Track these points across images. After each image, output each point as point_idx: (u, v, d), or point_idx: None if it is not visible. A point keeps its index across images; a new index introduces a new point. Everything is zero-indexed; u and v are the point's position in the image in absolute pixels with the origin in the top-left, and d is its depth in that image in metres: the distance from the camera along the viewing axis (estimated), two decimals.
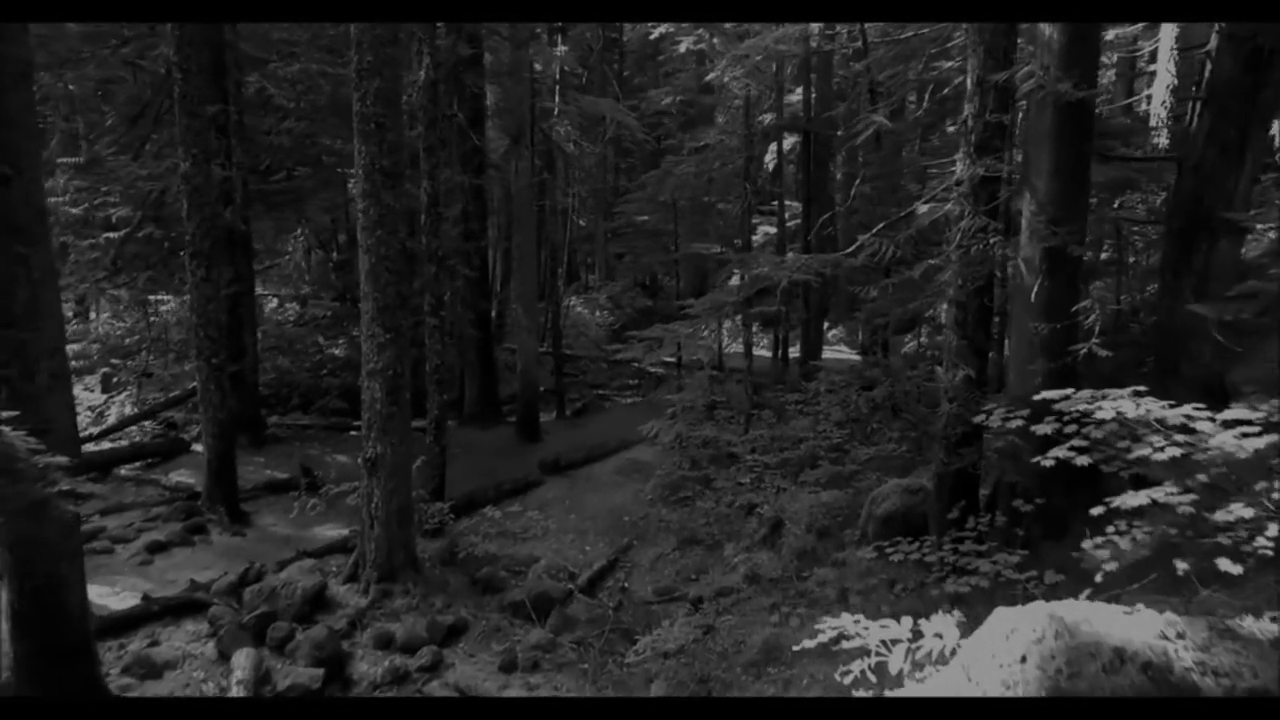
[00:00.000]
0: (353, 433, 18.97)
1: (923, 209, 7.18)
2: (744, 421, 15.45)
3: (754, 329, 26.14)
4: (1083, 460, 4.09)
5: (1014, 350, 7.22)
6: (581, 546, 12.00)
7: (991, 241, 7.01)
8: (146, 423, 16.36)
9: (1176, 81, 13.61)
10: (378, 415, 9.29)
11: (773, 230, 28.88)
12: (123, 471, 13.42)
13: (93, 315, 23.09)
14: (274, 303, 26.12)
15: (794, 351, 22.68)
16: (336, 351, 23.11)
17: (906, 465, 11.56)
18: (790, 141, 29.57)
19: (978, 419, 4.99)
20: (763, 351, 23.70)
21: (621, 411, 20.64)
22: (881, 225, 7.52)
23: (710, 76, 20.55)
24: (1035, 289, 6.84)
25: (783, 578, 9.99)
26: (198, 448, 14.70)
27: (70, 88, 19.04)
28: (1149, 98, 14.63)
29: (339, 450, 16.12)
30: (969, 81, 7.41)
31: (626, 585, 10.71)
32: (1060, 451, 4.21)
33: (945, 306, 7.73)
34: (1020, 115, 10.22)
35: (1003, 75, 6.82)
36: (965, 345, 7.45)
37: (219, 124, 14.06)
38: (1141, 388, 3.93)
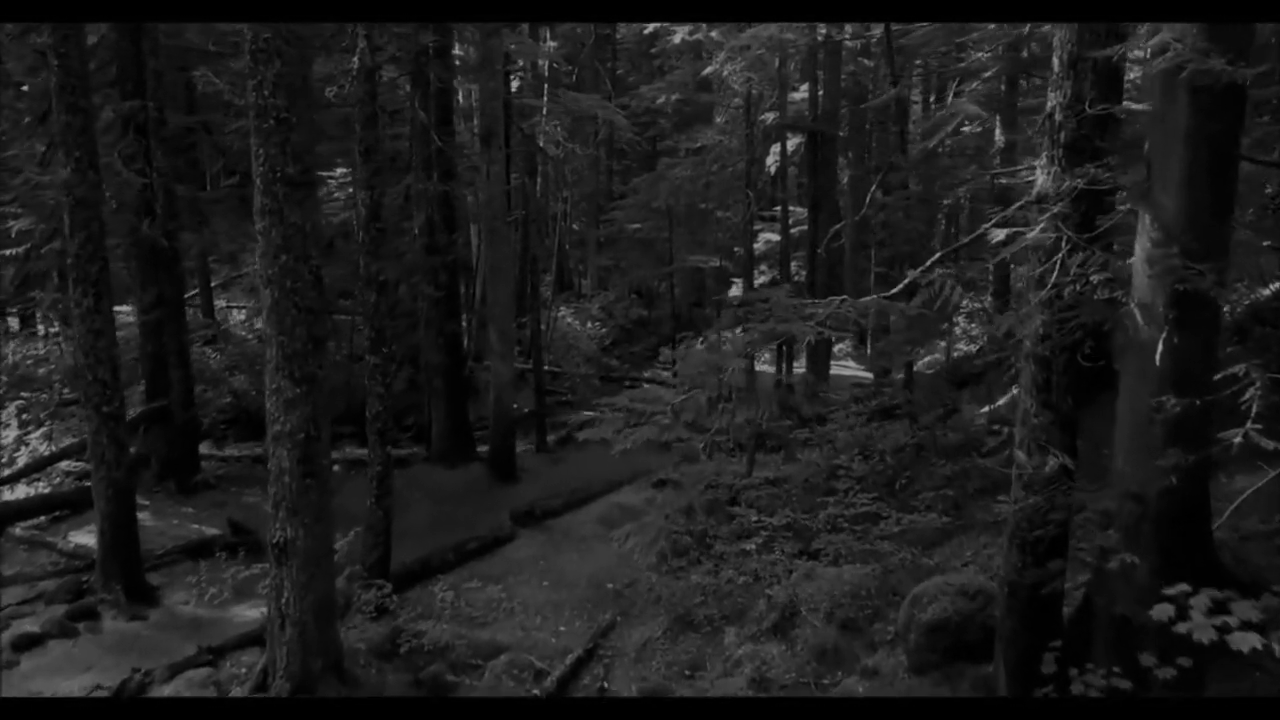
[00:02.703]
0: None
1: (998, 235, 5.24)
2: (748, 463, 13.55)
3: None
4: None
5: (1123, 428, 5.29)
6: (555, 626, 10.04)
7: (1095, 280, 5.06)
8: (74, 463, 14.33)
9: None
10: (286, 490, 7.34)
11: (775, 238, 26.94)
12: (18, 530, 11.43)
13: (40, 329, 21.16)
14: (241, 315, 24.21)
15: (798, 366, 20.77)
16: None
17: (946, 531, 9.64)
18: (794, 142, 27.65)
19: (1161, 615, 3.08)
20: (765, 366, 21.72)
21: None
22: (938, 255, 5.58)
23: (708, 70, 18.58)
24: (1160, 348, 4.91)
25: (798, 683, 8.07)
26: None
27: None
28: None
29: None
30: (1055, 61, 5.49)
31: (606, 684, 8.75)
32: None
33: (1021, 364, 5.79)
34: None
35: (1116, 50, 4.88)
36: (1050, 419, 5.51)
37: (137, 123, 12.13)
38: None
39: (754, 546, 10.07)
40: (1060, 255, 4.92)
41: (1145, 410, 5.03)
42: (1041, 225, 4.94)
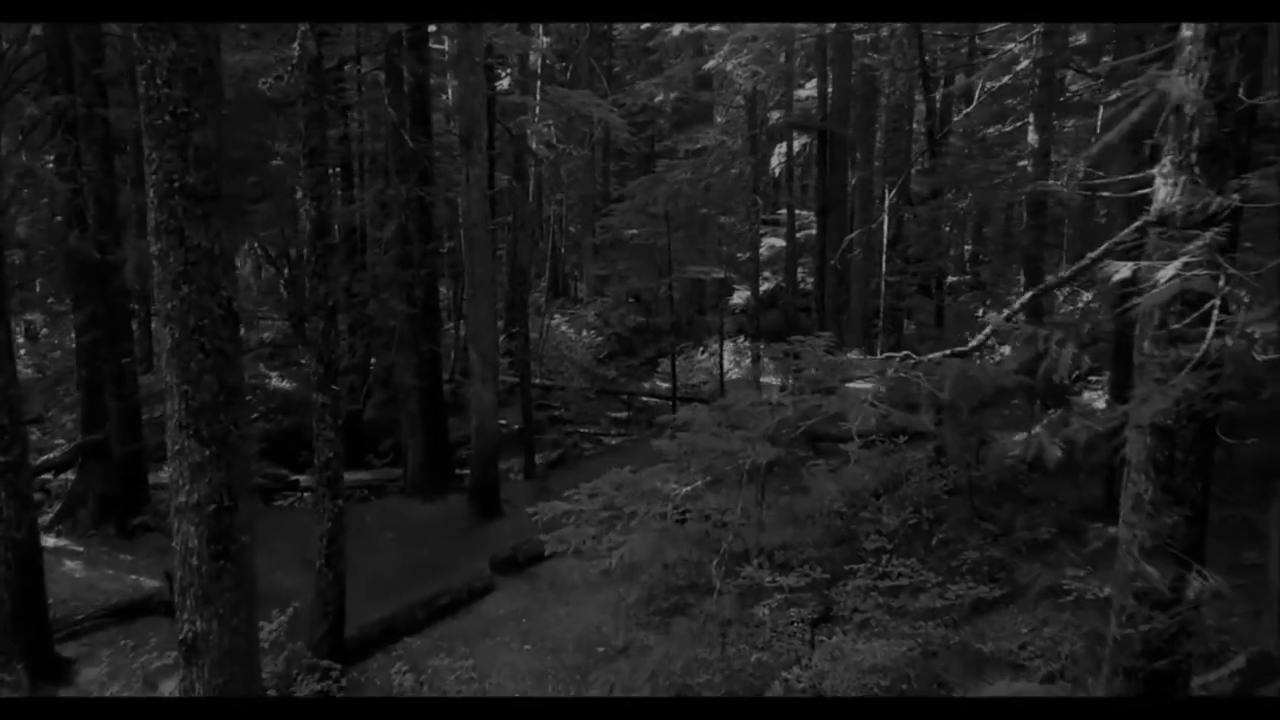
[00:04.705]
0: (286, 495, 15.65)
1: (1120, 270, 3.85)
2: (750, 496, 12.10)
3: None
4: None
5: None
6: None
7: (1256, 335, 3.68)
8: None
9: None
10: (195, 575, 5.93)
11: (779, 243, 25.56)
12: None
13: None
14: None
15: None
16: (285, 384, 19.84)
17: (994, 599, 8.23)
18: (799, 143, 26.27)
19: None
20: (768, 378, 20.30)
21: (608, 458, 17.19)
22: (1028, 295, 4.19)
23: (709, 65, 17.28)
24: None
25: None
26: (48, 540, 11.38)
27: None
28: None
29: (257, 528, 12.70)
30: (1186, 34, 4.10)
31: None
32: None
33: (1131, 434, 4.40)
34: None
35: None
36: (1177, 515, 4.12)
37: (66, 121, 10.73)
38: None
39: (767, 612, 8.68)
40: (1217, 300, 3.53)
41: None
42: (1189, 257, 3.53)
